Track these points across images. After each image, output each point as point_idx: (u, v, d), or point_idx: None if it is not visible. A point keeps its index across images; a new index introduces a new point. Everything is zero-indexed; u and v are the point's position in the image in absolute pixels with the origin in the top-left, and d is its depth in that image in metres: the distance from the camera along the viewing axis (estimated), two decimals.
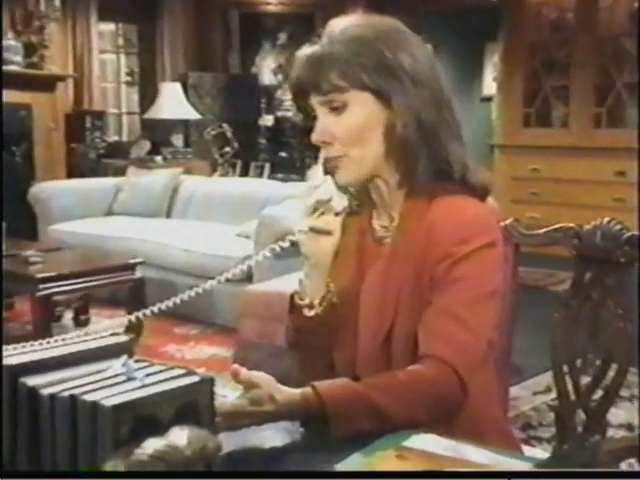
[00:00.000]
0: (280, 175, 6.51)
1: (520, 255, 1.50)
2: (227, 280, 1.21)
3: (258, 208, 4.66)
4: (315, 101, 1.20)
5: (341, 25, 1.19)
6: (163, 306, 1.16)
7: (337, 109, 1.18)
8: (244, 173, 6.93)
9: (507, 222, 1.46)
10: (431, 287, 1.16)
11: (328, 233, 1.23)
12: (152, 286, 4.28)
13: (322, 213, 1.22)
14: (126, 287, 3.85)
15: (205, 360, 3.77)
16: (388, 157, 1.20)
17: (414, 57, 1.18)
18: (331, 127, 1.19)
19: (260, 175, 6.83)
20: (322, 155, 1.23)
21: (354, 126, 1.18)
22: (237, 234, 4.60)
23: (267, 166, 6.94)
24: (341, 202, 1.23)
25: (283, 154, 6.82)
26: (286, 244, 1.20)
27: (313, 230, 1.22)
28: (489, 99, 8.04)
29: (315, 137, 1.20)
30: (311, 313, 1.27)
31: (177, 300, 1.15)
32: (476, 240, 1.16)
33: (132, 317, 1.14)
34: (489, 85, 8.33)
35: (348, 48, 1.16)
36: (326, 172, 1.22)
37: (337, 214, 1.23)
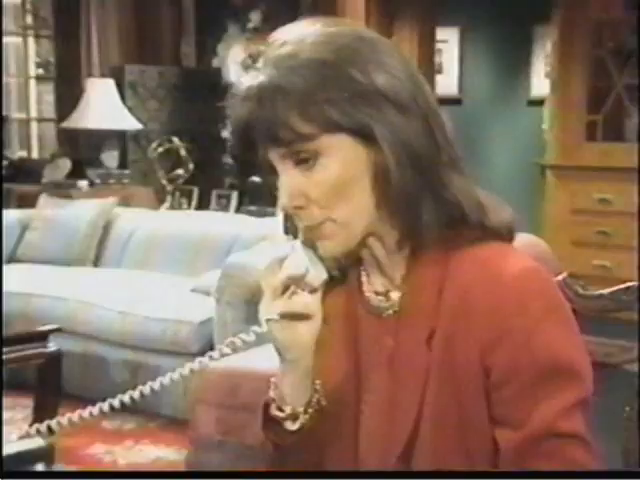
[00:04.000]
0: (252, 208, 6.54)
1: (583, 319, 1.53)
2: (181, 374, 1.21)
3: (221, 254, 4.70)
4: (273, 154, 1.21)
5: (289, 43, 1.20)
6: (97, 410, 1.15)
7: (306, 162, 1.20)
8: (203, 205, 6.96)
9: (560, 278, 1.49)
10: (489, 375, 1.20)
11: (305, 318, 1.24)
12: (72, 362, 4.29)
13: (294, 292, 1.23)
14: (34, 365, 3.85)
15: (147, 466, 3.77)
16: (382, 209, 1.23)
17: (391, 73, 1.21)
18: (302, 187, 1.21)
19: (225, 208, 6.87)
20: (283, 215, 1.25)
21: (332, 182, 1.20)
22: (192, 289, 4.63)
23: (234, 195, 6.98)
24: (318, 274, 1.25)
25: (256, 179, 6.85)
26: (251, 338, 1.21)
27: (285, 317, 1.23)
28: (539, 102, 8.15)
29: (284, 203, 1.21)
30: (295, 426, 1.29)
31: (126, 398, 1.16)
32: (534, 305, 1.20)
33: (42, 427, 1.14)
34: (539, 83, 8.45)
35: (307, 79, 1.18)
36: (287, 231, 1.25)
37: (314, 290, 1.25)
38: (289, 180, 1.21)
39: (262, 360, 3.23)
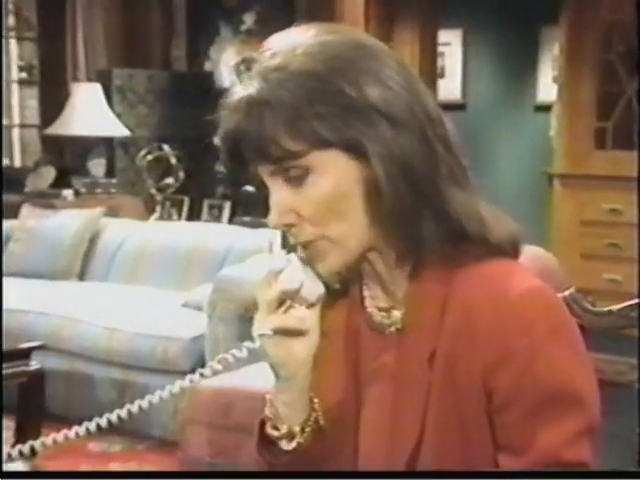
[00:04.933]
0: (246, 218, 6.53)
1: (592, 336, 1.53)
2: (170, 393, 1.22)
3: (214, 267, 4.69)
4: (263, 170, 1.23)
5: (279, 54, 1.21)
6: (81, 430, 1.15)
7: (296, 179, 1.21)
8: (194, 215, 6.96)
9: (566, 293, 1.50)
10: (492, 398, 1.21)
11: (301, 333, 1.26)
12: (56, 381, 4.28)
13: (289, 307, 1.25)
14: (15, 384, 3.84)
15: None
16: (379, 225, 1.24)
17: (386, 85, 1.22)
18: (292, 204, 1.22)
19: (217, 218, 6.87)
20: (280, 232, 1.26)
21: (324, 198, 1.21)
22: (183, 304, 4.63)
23: (227, 205, 6.98)
24: (315, 288, 1.26)
25: (250, 188, 6.85)
26: (243, 354, 1.22)
27: (280, 332, 1.25)
28: (546, 108, 8.17)
29: (274, 220, 1.23)
30: (291, 445, 1.30)
31: (113, 417, 1.16)
32: (539, 326, 1.20)
33: (25, 448, 1.14)
34: (546, 88, 8.46)
35: (294, 93, 1.18)
36: (285, 245, 1.26)
37: (311, 305, 1.26)
38: (279, 197, 1.22)
39: (256, 378, 3.23)
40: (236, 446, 3.18)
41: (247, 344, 1.23)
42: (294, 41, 1.22)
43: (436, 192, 1.23)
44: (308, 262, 1.25)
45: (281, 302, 1.24)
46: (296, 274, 1.24)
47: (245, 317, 3.94)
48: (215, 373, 1.23)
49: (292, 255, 1.26)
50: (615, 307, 1.47)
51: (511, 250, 1.28)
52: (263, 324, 1.24)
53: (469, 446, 1.22)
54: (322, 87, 1.19)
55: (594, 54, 6.59)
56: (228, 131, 1.22)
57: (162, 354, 4.30)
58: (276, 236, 1.26)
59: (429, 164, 1.22)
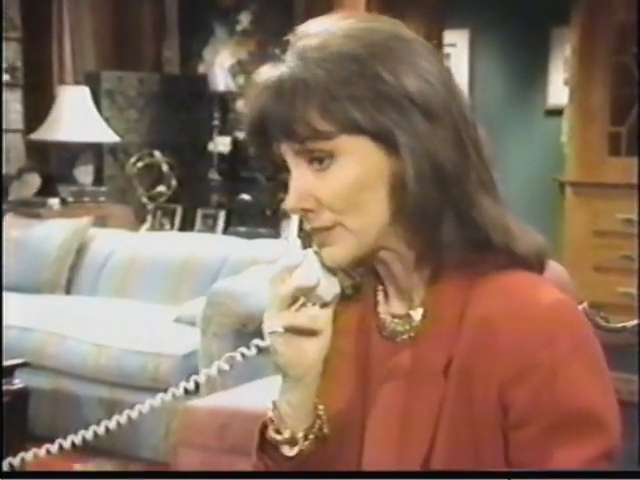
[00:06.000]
0: (242, 228, 6.55)
1: (605, 353, 1.53)
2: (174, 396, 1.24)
3: (208, 280, 4.70)
4: (287, 149, 1.24)
5: (318, 35, 1.24)
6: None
7: (320, 162, 1.23)
8: (187, 225, 6.97)
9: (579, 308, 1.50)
10: (507, 414, 1.21)
11: (313, 333, 1.28)
12: (41, 400, 4.28)
13: (302, 305, 1.26)
14: None
15: None
16: (400, 224, 1.25)
17: (424, 78, 1.24)
18: (313, 188, 1.24)
19: (212, 228, 6.87)
20: (298, 221, 1.28)
21: (346, 186, 1.23)
22: (175, 319, 4.63)
23: (222, 215, 6.98)
24: (331, 287, 1.27)
25: (245, 197, 6.87)
26: (251, 352, 1.25)
27: (292, 330, 1.26)
28: (558, 112, 8.18)
29: (291, 203, 1.24)
30: (293, 452, 1.32)
31: (100, 430, 1.17)
32: (562, 340, 1.20)
33: (15, 461, 1.15)
34: (557, 91, 8.48)
35: (331, 73, 1.20)
36: (304, 242, 1.28)
37: (325, 304, 1.28)
38: (300, 179, 1.24)
39: (252, 398, 3.23)
40: (229, 468, 3.18)
41: (256, 342, 1.26)
42: (334, 25, 1.25)
43: (464, 196, 1.24)
44: (318, 247, 1.26)
45: (294, 299, 1.26)
46: (312, 271, 1.26)
47: (241, 332, 3.94)
48: (220, 371, 1.25)
49: (308, 251, 1.27)
50: (629, 323, 1.48)
51: (536, 264, 1.29)
52: (274, 321, 1.26)
53: (479, 462, 1.23)
54: (360, 70, 1.21)
55: (607, 56, 6.61)
56: (255, 109, 1.25)
57: (153, 371, 4.30)
58: (294, 222, 1.28)
59: (460, 166, 1.24)
